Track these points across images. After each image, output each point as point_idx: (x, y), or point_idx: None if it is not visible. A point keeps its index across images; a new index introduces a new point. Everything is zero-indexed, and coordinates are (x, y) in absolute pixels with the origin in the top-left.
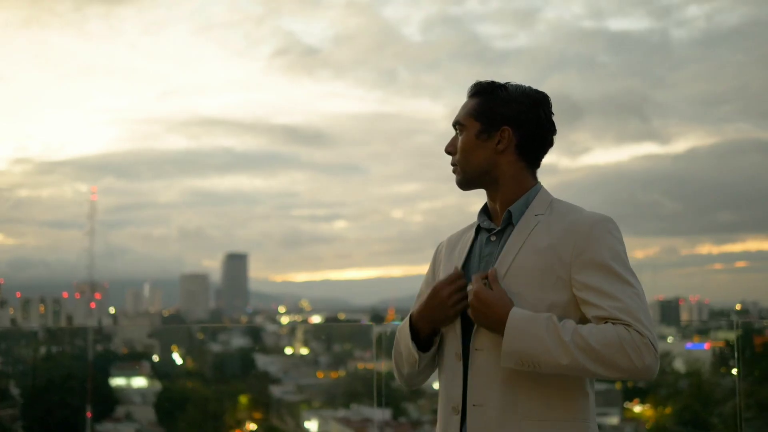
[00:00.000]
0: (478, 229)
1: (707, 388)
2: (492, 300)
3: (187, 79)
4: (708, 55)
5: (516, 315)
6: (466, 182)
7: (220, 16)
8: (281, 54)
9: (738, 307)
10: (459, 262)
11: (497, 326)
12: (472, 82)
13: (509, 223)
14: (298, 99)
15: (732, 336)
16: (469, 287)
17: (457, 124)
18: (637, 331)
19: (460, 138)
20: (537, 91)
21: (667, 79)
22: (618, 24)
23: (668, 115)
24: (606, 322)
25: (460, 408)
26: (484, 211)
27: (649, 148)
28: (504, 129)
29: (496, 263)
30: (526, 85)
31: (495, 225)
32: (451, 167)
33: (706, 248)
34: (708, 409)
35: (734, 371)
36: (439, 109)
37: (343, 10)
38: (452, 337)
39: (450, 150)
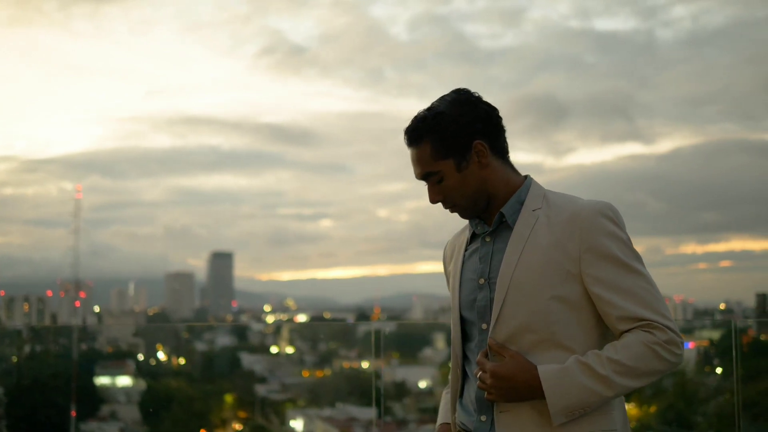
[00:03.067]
0: (474, 235)
1: (691, 387)
2: (513, 371)
3: (174, 77)
4: (693, 55)
5: (548, 374)
6: (473, 213)
7: (207, 15)
8: (268, 53)
9: (722, 306)
10: (456, 267)
11: (529, 393)
12: (457, 83)
13: (501, 222)
14: (285, 98)
15: (716, 335)
16: (478, 373)
17: (428, 175)
18: (659, 326)
19: (441, 184)
20: (458, 92)
21: (653, 80)
22: (604, 24)
23: (653, 116)
24: (629, 330)
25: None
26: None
27: (633, 149)
28: (475, 144)
29: (500, 265)
30: (440, 96)
31: (488, 226)
32: (448, 210)
33: (690, 248)
34: (692, 408)
35: (718, 370)
36: None
37: (330, 9)
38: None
39: (436, 199)
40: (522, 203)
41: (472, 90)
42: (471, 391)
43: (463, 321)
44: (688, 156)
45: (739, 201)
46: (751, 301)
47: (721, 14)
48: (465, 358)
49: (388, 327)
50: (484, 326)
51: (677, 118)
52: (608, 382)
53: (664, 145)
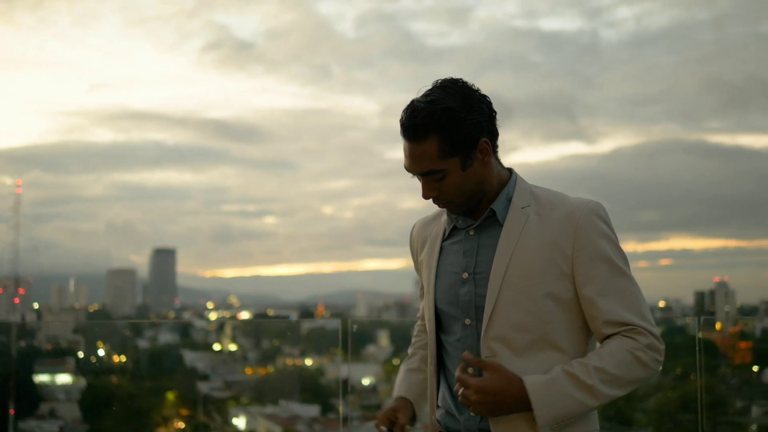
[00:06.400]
0: (453, 229)
1: None
2: (500, 385)
3: (117, 71)
4: (636, 56)
5: (535, 386)
6: (465, 209)
7: (152, 9)
8: (213, 48)
9: (662, 304)
10: (432, 259)
11: (516, 406)
12: (404, 81)
13: (488, 218)
14: (230, 94)
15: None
16: (459, 390)
17: (431, 173)
18: (642, 331)
19: (442, 181)
20: (455, 82)
21: (596, 80)
22: (550, 24)
23: (596, 115)
24: (612, 335)
25: None
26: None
27: (576, 148)
28: (481, 143)
29: (492, 261)
30: (440, 83)
31: (472, 220)
32: (438, 205)
33: (630, 246)
34: (632, 404)
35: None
36: (372, 106)
37: (277, 5)
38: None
39: (431, 196)
40: (510, 199)
41: (468, 82)
42: (454, 386)
43: (437, 314)
44: (629, 156)
45: (679, 200)
46: (689, 299)
47: (664, 16)
48: (444, 350)
49: (356, 324)
50: (467, 321)
51: (619, 118)
52: (594, 392)
53: (606, 145)
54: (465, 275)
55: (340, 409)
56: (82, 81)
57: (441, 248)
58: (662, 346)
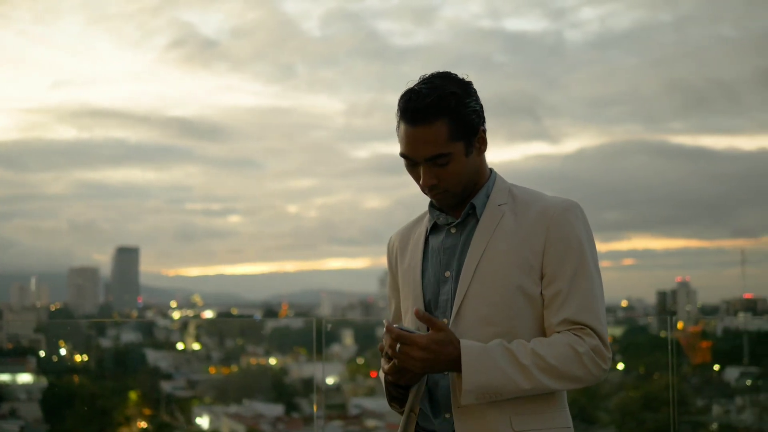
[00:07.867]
0: (435, 226)
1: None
2: (446, 340)
3: (80, 69)
4: (600, 57)
5: (469, 349)
6: (458, 200)
7: (115, 5)
8: (177, 46)
9: (624, 303)
10: (416, 260)
11: (449, 366)
12: (369, 80)
13: (468, 215)
14: (194, 92)
15: (618, 332)
16: (397, 347)
17: (438, 157)
18: (591, 334)
19: (446, 167)
20: (450, 74)
21: (561, 80)
22: (514, 24)
23: (560, 116)
24: (566, 330)
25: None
26: (433, 204)
27: (540, 148)
28: (480, 130)
29: (465, 258)
30: (434, 74)
31: (453, 218)
32: (431, 195)
33: None
34: (594, 402)
35: (620, 366)
36: (337, 105)
37: (242, 3)
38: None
39: (432, 183)
40: (488, 196)
41: (459, 74)
42: (434, 390)
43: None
44: (592, 156)
45: (642, 201)
46: (652, 299)
47: (627, 17)
48: None
49: (329, 324)
50: (444, 321)
51: (583, 118)
52: (527, 374)
53: (569, 145)
54: (447, 274)
55: (314, 407)
56: (43, 78)
57: (425, 249)
58: (609, 354)
